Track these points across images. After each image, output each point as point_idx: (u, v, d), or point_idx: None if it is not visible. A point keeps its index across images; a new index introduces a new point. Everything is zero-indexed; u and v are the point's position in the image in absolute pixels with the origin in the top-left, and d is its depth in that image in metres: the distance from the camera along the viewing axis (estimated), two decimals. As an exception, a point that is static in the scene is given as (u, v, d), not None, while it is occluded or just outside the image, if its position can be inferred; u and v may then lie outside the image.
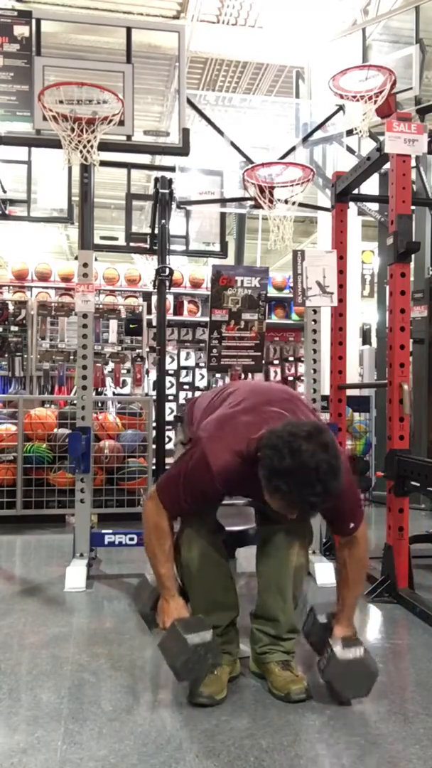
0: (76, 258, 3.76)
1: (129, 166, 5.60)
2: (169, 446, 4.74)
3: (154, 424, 5.18)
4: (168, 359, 7.33)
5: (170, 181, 5.50)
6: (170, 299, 7.45)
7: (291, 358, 8.16)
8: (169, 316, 7.05)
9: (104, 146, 3.59)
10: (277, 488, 1.76)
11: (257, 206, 4.21)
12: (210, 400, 2.22)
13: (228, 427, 1.97)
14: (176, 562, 2.10)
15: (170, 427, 6.67)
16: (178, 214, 5.87)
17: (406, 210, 3.07)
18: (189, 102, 4.32)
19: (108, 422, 5.04)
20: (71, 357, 6.84)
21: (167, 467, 5.44)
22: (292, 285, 3.58)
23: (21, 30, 3.84)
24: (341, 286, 3.70)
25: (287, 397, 2.11)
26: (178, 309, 7.85)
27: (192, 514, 2.09)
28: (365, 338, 9.23)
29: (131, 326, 7.05)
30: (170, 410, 7.46)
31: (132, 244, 6.02)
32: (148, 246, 5.94)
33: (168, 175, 5.47)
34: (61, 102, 3.43)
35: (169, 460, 5.19)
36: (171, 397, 7.59)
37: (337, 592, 2.15)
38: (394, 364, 3.08)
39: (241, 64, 7.81)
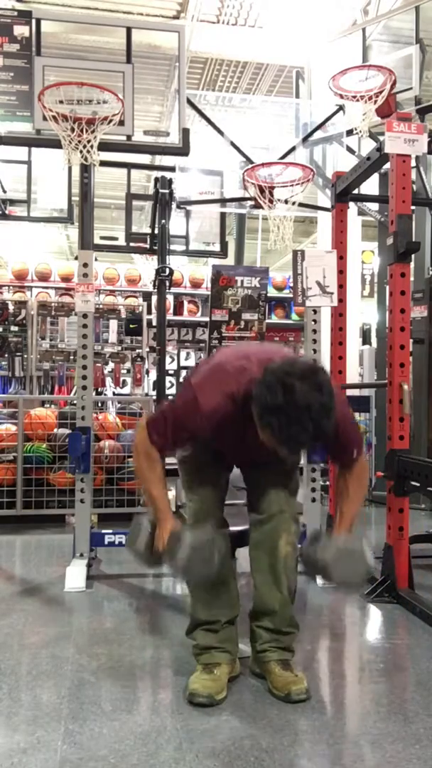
0: (76, 258, 3.76)
1: (129, 166, 5.59)
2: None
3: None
4: (168, 359, 7.32)
5: (170, 181, 5.50)
6: (170, 299, 7.45)
7: (291, 358, 8.15)
8: (169, 316, 7.05)
9: (104, 146, 3.59)
10: (269, 425, 1.76)
11: (257, 206, 4.21)
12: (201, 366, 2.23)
13: (220, 372, 1.99)
14: None
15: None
16: (178, 214, 5.87)
17: (406, 210, 3.07)
18: (189, 102, 4.32)
19: (108, 422, 5.04)
20: (71, 357, 6.85)
21: (167, 467, 5.45)
22: (292, 285, 3.58)
23: (21, 30, 3.84)
24: (341, 286, 3.70)
25: (278, 348, 2.18)
26: (178, 309, 7.86)
27: (198, 506, 2.11)
28: (365, 338, 9.23)
29: (131, 326, 7.05)
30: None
31: (132, 244, 6.02)
32: (148, 246, 5.94)
33: (168, 175, 5.47)
34: (61, 102, 3.43)
35: (169, 460, 5.20)
36: (171, 397, 7.59)
37: (337, 507, 2.16)
38: (394, 364, 3.08)
39: (241, 64, 7.81)
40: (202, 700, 1.98)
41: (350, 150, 5.19)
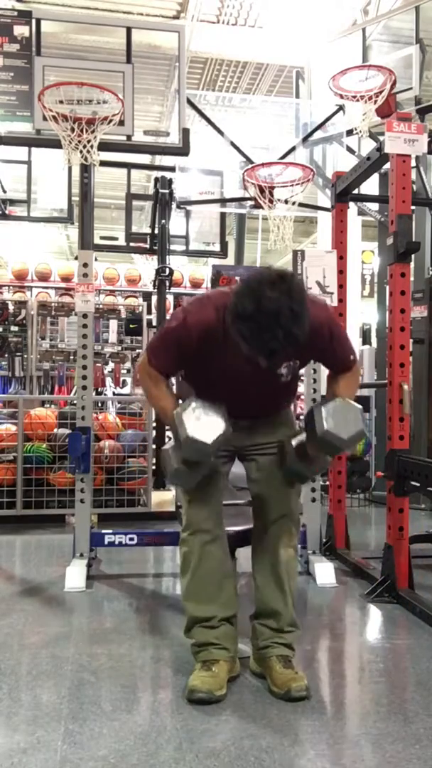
0: (76, 258, 3.77)
1: (129, 166, 5.60)
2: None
3: (154, 424, 5.19)
4: (168, 359, 7.32)
5: (170, 181, 5.50)
6: (170, 299, 7.44)
7: (291, 358, 8.16)
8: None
9: (104, 146, 3.60)
10: (240, 333, 1.81)
11: (257, 206, 4.22)
12: None
13: (204, 297, 2.15)
14: (181, 544, 2.16)
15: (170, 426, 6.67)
16: (178, 214, 5.88)
17: (406, 210, 3.07)
18: (189, 102, 4.32)
19: (108, 422, 5.04)
20: (71, 357, 6.84)
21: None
22: (292, 285, 3.58)
23: (21, 30, 3.84)
24: (341, 286, 3.70)
25: None
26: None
27: (198, 496, 2.12)
28: (365, 338, 9.22)
29: (131, 326, 7.05)
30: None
31: (132, 244, 6.03)
32: (148, 246, 5.95)
33: (168, 175, 5.48)
34: (61, 102, 3.43)
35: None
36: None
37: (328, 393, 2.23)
38: (394, 364, 3.08)
39: (241, 64, 7.81)
40: (202, 696, 1.98)
41: (350, 150, 5.19)
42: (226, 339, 1.92)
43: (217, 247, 6.00)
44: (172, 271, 5.69)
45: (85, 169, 3.64)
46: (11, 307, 7.12)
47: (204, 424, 1.95)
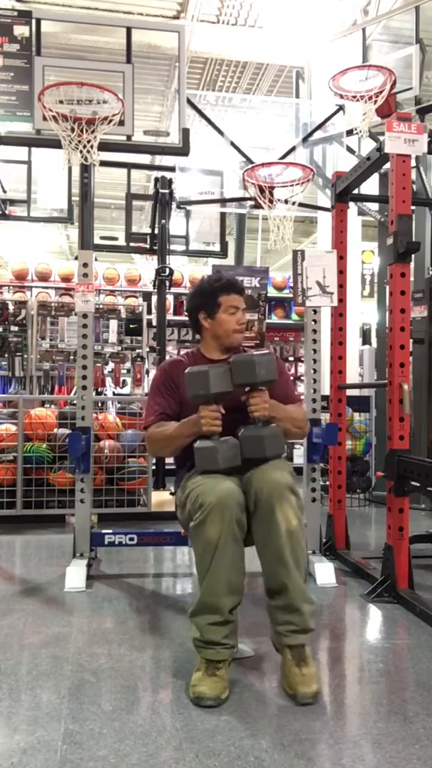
0: (76, 258, 3.77)
1: (129, 166, 5.61)
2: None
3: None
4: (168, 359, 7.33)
5: (170, 181, 5.50)
6: (170, 299, 7.45)
7: (291, 358, 8.16)
8: (169, 316, 7.05)
9: (104, 146, 3.60)
10: (193, 304, 2.55)
11: (257, 206, 4.22)
12: None
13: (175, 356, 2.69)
14: (197, 537, 2.10)
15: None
16: (178, 214, 5.88)
17: (406, 210, 3.07)
18: (189, 102, 4.32)
19: (108, 422, 5.05)
20: (71, 357, 6.85)
21: (167, 467, 5.46)
22: (292, 285, 3.58)
23: (21, 30, 3.84)
24: (341, 286, 3.70)
25: None
26: (178, 309, 7.86)
27: (215, 492, 2.10)
28: (365, 338, 9.23)
29: (131, 326, 7.05)
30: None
31: (132, 244, 6.03)
32: (148, 246, 5.95)
33: (168, 175, 5.48)
34: (61, 102, 3.43)
35: (169, 460, 5.21)
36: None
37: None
38: (394, 364, 3.08)
39: (241, 64, 7.81)
40: (211, 703, 1.98)
41: (350, 150, 5.19)
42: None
43: (217, 247, 6.00)
44: (172, 271, 5.69)
45: (85, 169, 3.64)
46: (11, 307, 7.12)
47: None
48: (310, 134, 5.07)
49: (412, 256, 3.18)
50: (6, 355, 7.03)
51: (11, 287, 7.55)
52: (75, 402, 3.61)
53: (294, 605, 2.10)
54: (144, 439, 4.95)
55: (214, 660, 2.08)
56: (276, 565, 2.10)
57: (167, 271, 5.61)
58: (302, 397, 3.41)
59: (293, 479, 2.20)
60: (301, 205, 4.17)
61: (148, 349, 7.19)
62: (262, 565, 2.17)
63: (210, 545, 2.07)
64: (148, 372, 7.24)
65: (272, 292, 7.90)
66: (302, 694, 2.01)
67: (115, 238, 8.15)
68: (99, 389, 6.65)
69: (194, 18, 6.89)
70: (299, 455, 6.23)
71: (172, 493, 2.63)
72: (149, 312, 7.16)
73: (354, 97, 4.31)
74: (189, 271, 8.01)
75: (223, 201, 5.12)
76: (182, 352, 2.35)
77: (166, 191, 5.54)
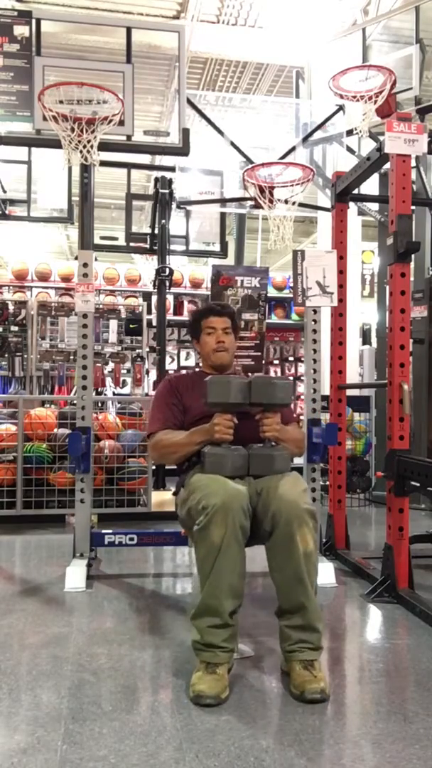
0: (76, 258, 3.77)
1: (129, 166, 5.60)
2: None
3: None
4: (168, 359, 7.33)
5: (170, 181, 5.50)
6: (170, 299, 7.45)
7: (291, 358, 8.16)
8: (169, 316, 7.05)
9: (104, 146, 3.60)
10: (192, 327, 2.81)
11: (257, 206, 4.21)
12: None
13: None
14: (200, 540, 2.12)
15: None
16: (178, 214, 5.88)
17: (406, 210, 3.07)
18: (189, 102, 4.32)
19: (108, 422, 5.04)
20: (71, 357, 6.84)
21: (167, 467, 5.45)
22: (292, 285, 3.58)
23: (21, 30, 3.84)
24: (341, 286, 3.70)
25: None
26: (178, 309, 7.86)
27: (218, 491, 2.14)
28: (365, 338, 9.23)
29: (131, 326, 7.05)
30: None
31: (132, 244, 6.02)
32: (148, 246, 5.95)
33: (168, 175, 5.48)
34: (61, 102, 3.43)
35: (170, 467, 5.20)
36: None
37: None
38: (394, 364, 3.08)
39: (241, 64, 7.81)
40: (210, 701, 1.99)
41: (350, 150, 5.19)
42: (199, 386, 2.43)
43: (217, 247, 5.99)
44: (172, 271, 5.69)
45: (85, 169, 3.64)
46: (11, 307, 7.12)
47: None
48: (310, 134, 5.07)
49: (412, 256, 3.18)
50: (6, 355, 7.03)
51: (11, 287, 7.55)
52: (75, 402, 3.61)
53: (311, 624, 2.14)
54: (145, 441, 4.98)
55: (213, 662, 2.08)
56: (295, 585, 2.14)
57: (167, 271, 5.61)
58: (302, 397, 3.41)
59: (309, 498, 2.30)
60: (301, 205, 4.16)
61: (148, 349, 7.19)
62: (277, 585, 2.19)
63: (213, 548, 2.08)
64: (148, 372, 7.24)
65: (272, 292, 7.90)
66: (309, 689, 2.03)
67: (115, 238, 8.15)
68: (99, 389, 6.65)
69: (194, 18, 6.89)
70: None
71: (174, 493, 2.62)
72: (149, 312, 7.16)
73: (354, 97, 4.31)
74: (189, 271, 8.00)
75: (223, 201, 5.12)
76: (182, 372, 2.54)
77: (166, 191, 5.54)
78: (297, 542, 2.13)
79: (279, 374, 8.11)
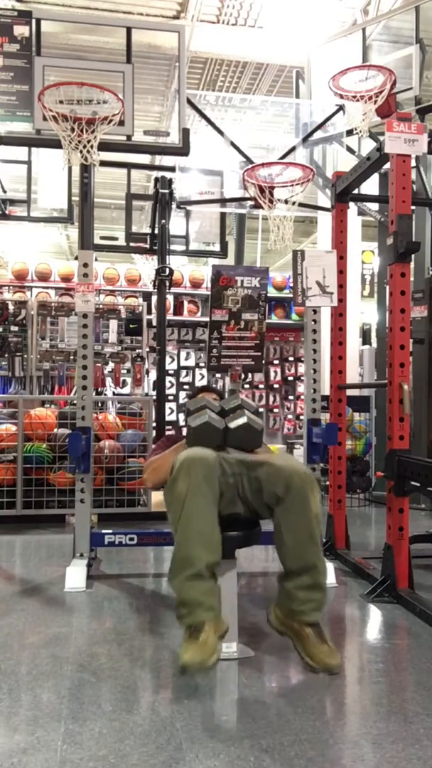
0: (76, 258, 3.76)
1: (129, 166, 5.60)
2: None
3: (154, 424, 5.19)
4: (168, 359, 7.33)
5: (170, 181, 5.50)
6: (170, 299, 7.44)
7: (291, 358, 8.15)
8: (169, 316, 7.05)
9: (104, 146, 3.59)
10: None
11: (257, 206, 4.21)
12: None
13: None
14: (168, 495, 2.26)
15: (170, 426, 6.66)
16: (178, 214, 5.87)
17: (406, 210, 3.07)
18: (189, 102, 4.32)
19: (108, 422, 5.04)
20: (71, 357, 6.85)
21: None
22: (292, 285, 3.58)
23: (21, 30, 3.84)
24: (341, 286, 3.70)
25: None
26: (178, 309, 7.85)
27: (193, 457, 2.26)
28: (365, 338, 9.24)
29: (131, 326, 7.04)
30: (170, 410, 7.46)
31: (132, 244, 6.02)
32: (148, 246, 5.94)
33: (168, 175, 5.47)
34: (61, 102, 3.43)
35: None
36: (171, 397, 7.60)
37: None
38: (394, 364, 3.08)
39: (241, 64, 7.80)
40: (196, 668, 1.93)
41: (350, 150, 5.19)
42: None
43: (217, 247, 5.99)
44: (172, 271, 5.68)
45: (85, 169, 3.64)
46: (11, 307, 7.12)
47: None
48: (310, 134, 5.06)
49: (412, 256, 3.18)
50: (6, 355, 7.03)
51: (11, 287, 7.54)
52: (75, 402, 3.61)
53: (319, 583, 2.23)
54: (145, 441, 4.99)
55: (194, 624, 2.02)
56: (308, 544, 2.23)
57: (167, 271, 5.60)
58: (302, 397, 3.41)
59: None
60: (301, 205, 4.16)
61: (148, 349, 7.19)
62: (287, 547, 2.24)
63: (179, 498, 2.17)
64: (148, 372, 7.24)
65: (272, 292, 7.89)
66: (329, 665, 2.09)
67: (115, 238, 8.14)
68: (99, 389, 6.65)
69: (194, 18, 6.88)
70: (299, 455, 6.23)
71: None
72: (149, 312, 7.16)
73: (354, 97, 4.31)
74: (189, 271, 8.00)
75: (223, 201, 5.11)
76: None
77: (166, 191, 5.53)
78: (310, 504, 2.24)
79: (279, 374, 8.11)
